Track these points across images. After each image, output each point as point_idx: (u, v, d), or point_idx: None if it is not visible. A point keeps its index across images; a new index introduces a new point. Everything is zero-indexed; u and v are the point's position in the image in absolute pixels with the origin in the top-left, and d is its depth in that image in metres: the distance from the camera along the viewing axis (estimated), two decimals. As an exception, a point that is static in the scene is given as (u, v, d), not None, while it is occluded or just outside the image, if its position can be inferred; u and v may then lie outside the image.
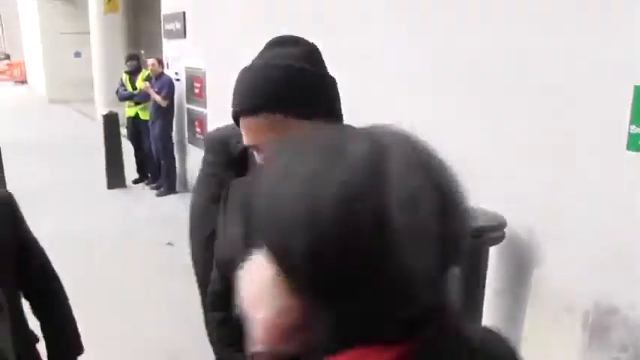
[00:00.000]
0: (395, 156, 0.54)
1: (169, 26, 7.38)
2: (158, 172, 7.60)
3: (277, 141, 1.05)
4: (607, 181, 2.32)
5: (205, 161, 1.84)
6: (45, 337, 1.84)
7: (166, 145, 7.34)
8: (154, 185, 7.64)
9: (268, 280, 0.58)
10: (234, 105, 1.16)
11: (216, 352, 1.45)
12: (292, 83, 1.12)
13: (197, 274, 2.17)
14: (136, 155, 8.00)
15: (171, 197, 7.28)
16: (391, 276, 0.52)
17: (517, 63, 2.65)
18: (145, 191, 7.61)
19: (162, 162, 7.43)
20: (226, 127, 1.88)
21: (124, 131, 8.01)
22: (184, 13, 6.89)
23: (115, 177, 7.57)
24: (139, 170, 7.99)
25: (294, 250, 0.54)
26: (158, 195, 7.33)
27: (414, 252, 0.52)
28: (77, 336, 1.89)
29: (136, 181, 7.88)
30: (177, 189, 7.46)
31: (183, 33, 6.97)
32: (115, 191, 7.51)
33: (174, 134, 7.45)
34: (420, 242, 0.52)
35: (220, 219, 1.40)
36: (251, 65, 1.16)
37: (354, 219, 0.51)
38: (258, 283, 0.61)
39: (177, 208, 6.72)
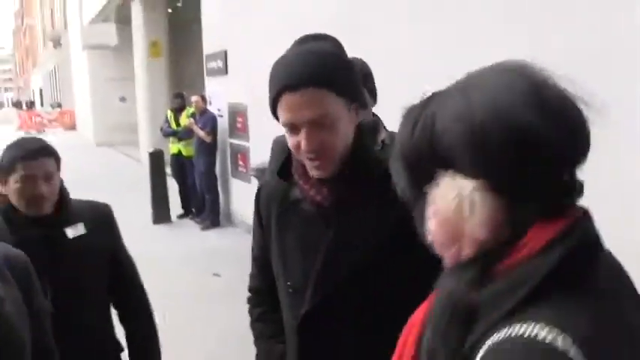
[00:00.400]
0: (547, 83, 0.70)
1: (212, 65, 7.63)
2: (202, 206, 7.74)
3: (315, 118, 1.14)
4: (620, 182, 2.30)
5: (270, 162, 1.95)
6: (130, 345, 1.93)
7: (210, 180, 7.49)
8: (198, 220, 7.77)
9: (465, 191, 0.69)
10: (273, 86, 1.20)
11: (257, 345, 1.50)
12: (331, 64, 1.19)
13: None
14: (180, 191, 8.17)
15: (216, 231, 7.39)
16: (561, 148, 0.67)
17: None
18: (190, 226, 7.74)
19: (206, 196, 7.57)
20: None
21: (167, 169, 8.23)
22: (226, 51, 7.13)
23: (160, 212, 7.74)
24: (183, 206, 8.15)
25: (497, 155, 0.66)
26: (203, 229, 7.44)
27: (572, 132, 0.68)
28: (159, 348, 1.99)
29: (180, 216, 8.03)
30: (221, 223, 7.58)
31: (225, 70, 7.20)
32: (161, 226, 7.66)
33: (217, 169, 7.61)
34: (574, 126, 0.69)
35: (255, 219, 1.46)
36: (287, 54, 1.22)
37: (542, 117, 0.66)
38: (452, 199, 0.70)
39: (222, 241, 6.81)
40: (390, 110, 1.19)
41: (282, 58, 1.22)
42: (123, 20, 15.94)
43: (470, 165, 0.68)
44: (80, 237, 1.75)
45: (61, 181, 1.78)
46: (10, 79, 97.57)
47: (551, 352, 0.58)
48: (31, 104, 35.30)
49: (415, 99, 0.78)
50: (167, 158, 8.32)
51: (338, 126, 1.21)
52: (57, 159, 1.75)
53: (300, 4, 5.22)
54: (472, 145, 0.67)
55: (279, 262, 1.36)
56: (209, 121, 7.31)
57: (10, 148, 1.71)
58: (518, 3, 2.97)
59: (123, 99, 18.23)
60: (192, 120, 7.41)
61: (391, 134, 1.86)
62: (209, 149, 7.40)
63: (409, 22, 3.83)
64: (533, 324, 0.60)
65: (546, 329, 0.59)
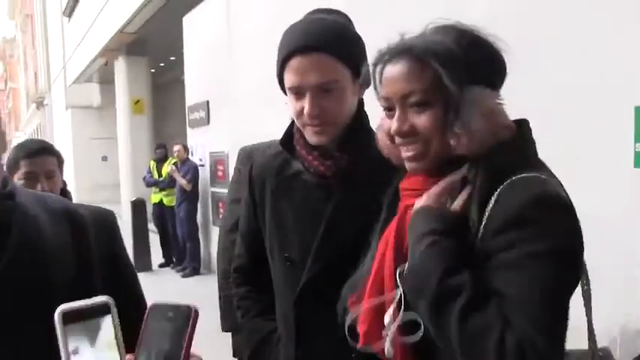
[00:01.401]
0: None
1: (194, 115, 7.87)
2: (183, 254, 7.79)
3: (321, 83, 1.18)
4: (617, 197, 2.44)
5: (235, 170, 2.04)
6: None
7: (191, 228, 7.57)
8: (179, 267, 7.80)
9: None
10: (282, 49, 1.23)
11: (244, 323, 1.47)
12: (342, 34, 1.22)
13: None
14: (161, 239, 8.23)
15: (196, 278, 7.41)
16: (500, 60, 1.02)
17: (524, 86, 2.86)
18: (171, 274, 7.75)
19: (187, 244, 7.63)
20: (255, 144, 2.08)
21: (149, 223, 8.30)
22: (208, 101, 7.38)
23: (141, 261, 7.75)
24: (164, 254, 8.19)
25: (454, 52, 0.95)
26: (183, 276, 7.47)
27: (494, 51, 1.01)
28: None
29: (162, 265, 8.05)
30: (201, 271, 7.61)
31: (207, 120, 7.43)
32: (142, 274, 7.60)
33: (198, 217, 7.71)
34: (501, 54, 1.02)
35: (247, 196, 1.46)
36: (299, 21, 1.26)
37: (483, 44, 1.00)
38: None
39: (202, 289, 6.83)
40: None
41: (294, 24, 1.25)
42: (105, 80, 16.31)
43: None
44: None
45: (64, 183, 1.88)
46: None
47: (546, 180, 0.90)
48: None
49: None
50: (149, 209, 8.42)
51: (342, 95, 1.22)
52: (59, 159, 1.85)
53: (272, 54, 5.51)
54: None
55: (275, 234, 1.34)
56: (190, 170, 7.48)
57: (15, 147, 1.82)
58: None
59: (105, 158, 18.36)
60: (174, 167, 7.58)
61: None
62: (190, 198, 7.53)
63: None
64: (531, 173, 0.91)
65: (534, 173, 0.91)
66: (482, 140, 0.93)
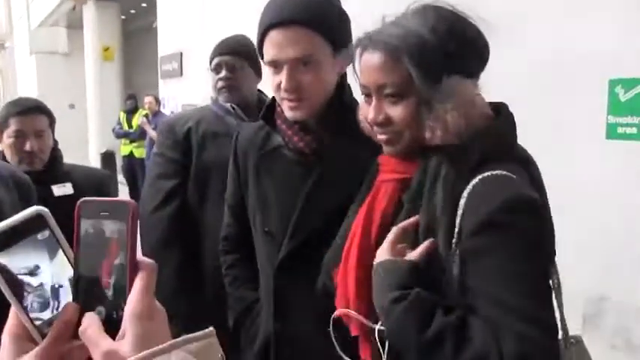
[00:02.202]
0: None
1: (166, 66, 7.70)
2: (153, 208, 7.71)
3: (297, 56, 1.16)
4: (589, 168, 2.50)
5: (156, 142, 1.99)
6: None
7: (162, 181, 7.48)
8: (148, 221, 7.73)
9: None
10: (262, 23, 1.21)
11: (230, 292, 1.49)
12: (323, 8, 1.20)
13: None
14: (131, 192, 8.14)
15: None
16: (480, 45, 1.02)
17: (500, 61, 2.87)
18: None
19: (144, 184, 7.51)
20: (176, 114, 2.06)
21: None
22: (181, 53, 7.22)
23: (110, 213, 7.67)
24: (133, 207, 8.10)
25: (429, 44, 0.95)
26: (153, 229, 7.42)
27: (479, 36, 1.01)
28: None
29: (131, 218, 7.98)
30: (171, 224, 7.56)
31: (180, 72, 7.28)
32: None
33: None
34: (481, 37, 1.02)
35: (231, 166, 1.45)
36: None
37: (462, 28, 1.00)
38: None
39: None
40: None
41: None
42: (73, 25, 15.74)
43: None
44: (67, 197, 1.76)
45: (55, 142, 1.84)
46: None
47: (511, 177, 0.92)
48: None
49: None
50: (118, 161, 8.30)
51: (320, 69, 1.20)
52: (50, 117, 1.82)
53: (256, 7, 5.40)
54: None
55: (256, 207, 1.35)
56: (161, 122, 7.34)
57: (7, 105, 1.81)
58: None
59: (72, 106, 17.88)
60: (144, 119, 7.45)
61: None
62: (161, 150, 7.41)
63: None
64: (499, 170, 0.93)
65: (506, 172, 0.92)
66: (457, 131, 0.94)
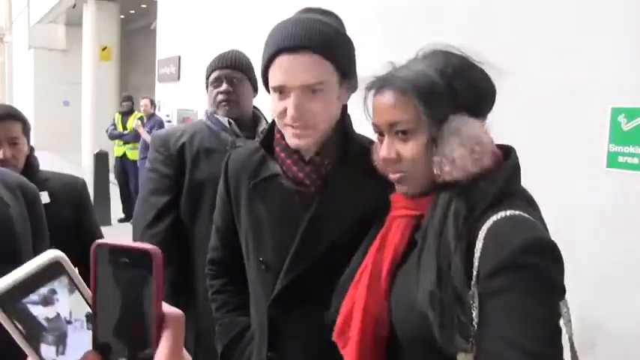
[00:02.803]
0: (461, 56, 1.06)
1: (164, 70, 7.64)
2: (144, 211, 7.65)
3: (308, 83, 1.12)
4: (589, 197, 2.46)
5: (149, 157, 1.93)
6: None
7: (154, 185, 7.42)
8: (139, 224, 7.66)
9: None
10: (270, 45, 1.16)
11: (218, 317, 1.44)
12: (334, 36, 1.16)
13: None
14: (122, 194, 8.07)
15: (156, 236, 7.30)
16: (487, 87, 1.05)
17: (502, 87, 2.85)
18: (130, 229, 7.61)
19: (137, 199, 7.46)
20: (170, 128, 2.04)
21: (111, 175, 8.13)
22: (179, 57, 7.17)
23: (101, 215, 7.58)
24: (124, 209, 8.04)
25: (436, 85, 1.00)
26: (143, 233, 7.35)
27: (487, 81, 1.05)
28: None
29: (121, 220, 7.92)
30: (162, 228, 7.50)
31: (177, 76, 7.22)
32: (101, 228, 7.50)
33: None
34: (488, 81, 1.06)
35: (221, 189, 1.40)
36: (289, 18, 1.19)
37: (469, 71, 1.04)
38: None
39: (162, 246, 6.76)
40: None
41: (284, 21, 1.18)
42: (72, 22, 15.69)
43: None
44: (43, 206, 1.69)
45: (31, 149, 1.80)
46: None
47: (528, 219, 0.93)
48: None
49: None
50: (111, 161, 8.24)
51: (328, 98, 1.16)
52: (24, 124, 1.77)
53: (255, 13, 5.37)
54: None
55: (249, 235, 1.31)
56: (156, 125, 7.28)
57: None
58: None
59: (67, 103, 17.81)
60: (139, 122, 7.39)
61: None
62: (155, 153, 7.36)
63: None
64: (514, 210, 0.94)
65: (521, 212, 0.94)
66: (465, 168, 0.97)
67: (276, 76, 1.15)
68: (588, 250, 2.41)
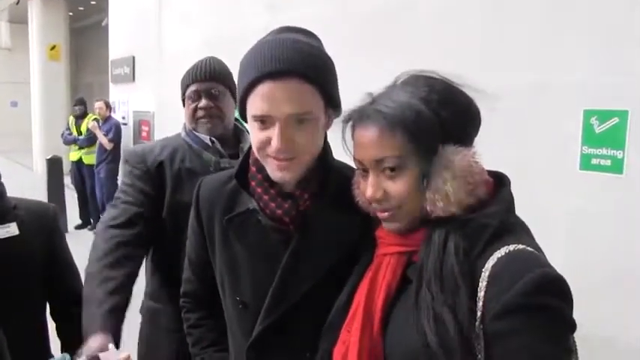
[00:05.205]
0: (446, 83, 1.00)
1: (117, 71, 7.40)
2: (101, 216, 7.41)
3: (295, 113, 1.01)
4: (562, 198, 2.47)
5: (124, 172, 1.76)
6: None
7: (112, 189, 7.19)
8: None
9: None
10: (250, 71, 1.04)
11: (195, 353, 1.36)
12: (319, 61, 1.07)
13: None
14: (79, 200, 7.80)
15: (116, 242, 7.09)
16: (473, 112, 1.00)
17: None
18: (87, 237, 7.37)
19: (106, 206, 7.24)
20: (145, 144, 1.87)
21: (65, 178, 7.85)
22: (134, 57, 6.94)
23: (56, 222, 7.33)
24: (81, 216, 7.77)
25: (423, 116, 0.94)
26: (102, 240, 7.12)
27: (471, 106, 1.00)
28: None
29: (78, 227, 7.65)
30: (121, 234, 7.28)
31: (132, 77, 7.00)
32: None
33: (120, 178, 7.33)
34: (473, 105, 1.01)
35: (192, 221, 1.31)
36: (269, 39, 1.08)
37: (455, 97, 0.98)
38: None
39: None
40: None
41: (261, 42, 1.07)
42: (16, 20, 15.06)
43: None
44: (11, 238, 1.59)
45: None
46: None
47: (533, 253, 0.89)
48: None
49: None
50: (66, 166, 7.94)
51: (314, 128, 1.07)
52: None
53: (215, 13, 5.22)
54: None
55: (225, 273, 1.23)
56: (113, 128, 7.07)
57: None
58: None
59: (15, 103, 17.14)
60: (95, 123, 7.13)
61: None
62: (112, 157, 7.13)
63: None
64: (517, 245, 0.90)
65: (525, 246, 0.90)
66: (458, 201, 0.93)
67: (258, 105, 1.03)
68: (561, 252, 2.42)
